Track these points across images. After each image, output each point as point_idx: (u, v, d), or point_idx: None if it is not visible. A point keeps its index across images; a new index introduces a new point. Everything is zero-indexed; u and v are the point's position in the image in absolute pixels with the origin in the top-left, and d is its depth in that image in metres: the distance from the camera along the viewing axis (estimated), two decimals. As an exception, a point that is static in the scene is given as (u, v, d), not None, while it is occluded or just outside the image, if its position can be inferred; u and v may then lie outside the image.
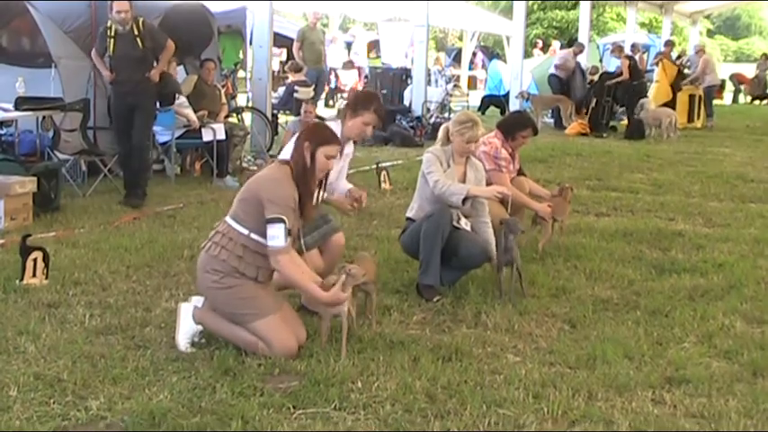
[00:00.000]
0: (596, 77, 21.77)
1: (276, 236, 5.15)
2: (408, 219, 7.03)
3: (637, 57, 22.50)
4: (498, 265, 6.68)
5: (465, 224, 6.93)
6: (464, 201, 6.65)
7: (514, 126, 8.20)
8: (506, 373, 5.15)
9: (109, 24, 10.06)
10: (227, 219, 5.40)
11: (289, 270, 5.24)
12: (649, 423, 4.52)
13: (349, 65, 29.18)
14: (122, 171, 10.70)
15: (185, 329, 5.44)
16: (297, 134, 5.56)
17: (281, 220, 5.14)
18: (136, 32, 10.02)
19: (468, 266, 6.91)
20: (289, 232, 5.18)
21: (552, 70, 21.92)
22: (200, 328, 5.44)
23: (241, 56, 20.33)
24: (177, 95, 11.60)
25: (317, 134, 5.47)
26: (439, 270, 6.61)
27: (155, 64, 10.33)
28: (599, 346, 5.58)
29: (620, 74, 20.89)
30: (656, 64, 22.63)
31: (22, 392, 4.63)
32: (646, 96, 20.52)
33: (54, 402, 4.55)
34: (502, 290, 6.63)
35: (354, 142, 6.74)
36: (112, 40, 10.05)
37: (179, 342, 5.38)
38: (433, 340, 5.70)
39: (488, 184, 7.31)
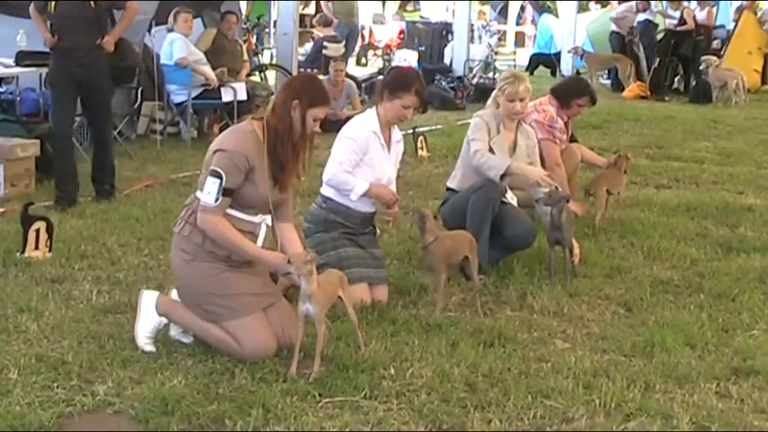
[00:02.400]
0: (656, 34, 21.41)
1: (209, 191, 4.89)
2: (449, 189, 7.01)
3: (705, 10, 22.25)
4: (548, 243, 6.66)
5: (511, 198, 6.89)
6: (502, 177, 6.59)
7: (570, 93, 8.13)
8: (554, 360, 5.15)
9: None
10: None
11: (215, 230, 4.93)
12: (713, 418, 4.49)
13: (380, 18, 29.07)
14: (55, 158, 8.83)
15: (146, 322, 5.14)
16: (284, 87, 5.24)
17: (218, 175, 4.88)
18: None
19: (513, 248, 6.86)
20: (225, 192, 4.89)
21: (613, 27, 21.67)
22: (164, 320, 5.18)
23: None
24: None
25: (310, 91, 5.09)
26: (487, 247, 6.58)
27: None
28: (657, 332, 5.55)
29: (684, 23, 20.60)
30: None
31: (22, 375, 4.68)
32: (717, 55, 20.31)
33: (58, 386, 4.58)
34: (551, 269, 6.62)
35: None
36: None
37: (137, 337, 5.11)
38: (473, 323, 5.70)
39: (540, 154, 7.27)
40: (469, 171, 6.82)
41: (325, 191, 6.22)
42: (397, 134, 6.38)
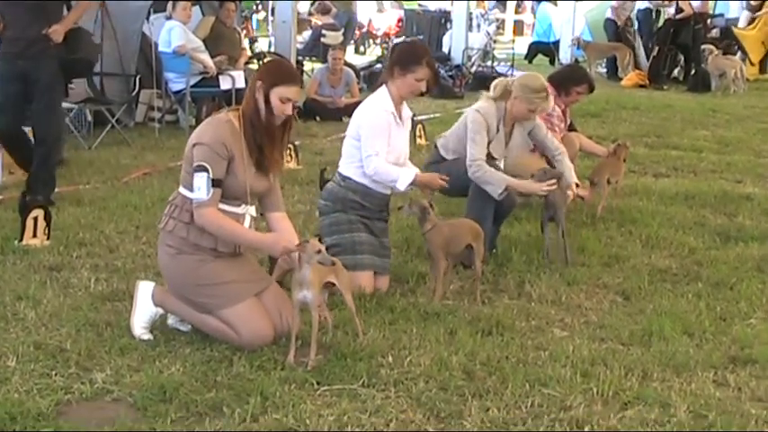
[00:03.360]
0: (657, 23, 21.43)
1: (199, 186, 4.89)
2: (436, 148, 7.02)
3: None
4: (542, 221, 6.68)
5: (500, 164, 6.86)
6: (501, 193, 6.53)
7: (569, 80, 8.15)
8: (552, 348, 5.15)
9: None
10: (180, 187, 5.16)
11: (214, 224, 4.93)
12: (710, 406, 4.49)
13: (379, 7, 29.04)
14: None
15: (143, 312, 5.17)
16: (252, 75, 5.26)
17: (204, 169, 4.88)
18: None
19: (499, 215, 6.82)
20: (214, 183, 4.90)
21: (608, 14, 21.66)
22: (160, 310, 5.21)
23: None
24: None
25: (272, 72, 5.14)
26: (490, 236, 6.57)
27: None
28: (655, 320, 5.55)
29: (681, 11, 20.54)
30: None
31: (21, 363, 4.68)
32: (715, 44, 20.28)
33: (56, 374, 4.58)
34: (547, 250, 6.63)
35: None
36: None
37: (134, 327, 5.12)
38: (471, 312, 5.70)
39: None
40: (464, 149, 6.74)
41: (344, 170, 6.20)
42: (407, 110, 6.38)
